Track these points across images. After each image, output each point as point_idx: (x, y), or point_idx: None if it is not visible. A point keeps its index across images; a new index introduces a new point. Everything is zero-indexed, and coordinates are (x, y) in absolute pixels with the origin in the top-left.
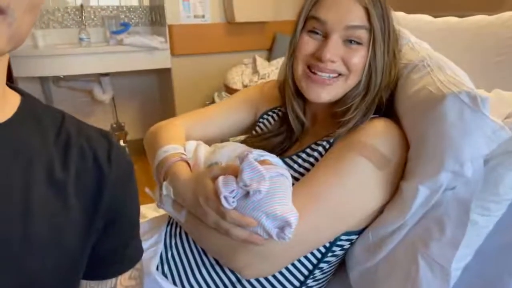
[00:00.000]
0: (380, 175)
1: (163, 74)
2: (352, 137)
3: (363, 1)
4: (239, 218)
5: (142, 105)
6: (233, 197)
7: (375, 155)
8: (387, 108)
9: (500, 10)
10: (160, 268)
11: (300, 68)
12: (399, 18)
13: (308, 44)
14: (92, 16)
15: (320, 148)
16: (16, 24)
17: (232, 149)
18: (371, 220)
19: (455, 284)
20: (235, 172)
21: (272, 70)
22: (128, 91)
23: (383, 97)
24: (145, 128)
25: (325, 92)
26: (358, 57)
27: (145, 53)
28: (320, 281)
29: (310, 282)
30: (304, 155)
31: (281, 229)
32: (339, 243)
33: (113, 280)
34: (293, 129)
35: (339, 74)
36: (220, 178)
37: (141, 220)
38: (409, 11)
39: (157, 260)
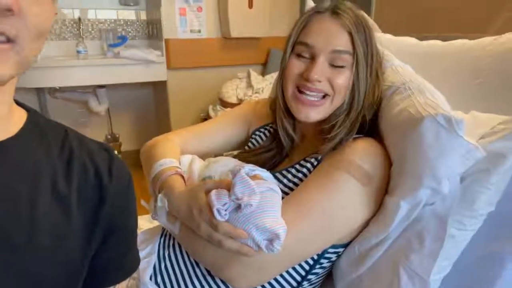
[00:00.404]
0: (364, 191)
1: (159, 87)
2: (338, 156)
3: (348, 26)
4: (231, 230)
5: (137, 117)
6: (225, 210)
7: (359, 173)
8: (371, 128)
9: (487, 32)
10: (153, 278)
11: (290, 89)
12: (385, 40)
13: (296, 66)
14: (90, 29)
15: (309, 165)
16: (24, 52)
17: (225, 164)
18: (356, 233)
19: None
20: (228, 186)
21: (266, 84)
22: (124, 103)
23: (367, 116)
24: (140, 139)
25: (314, 112)
26: (342, 79)
27: (141, 66)
28: None
29: None
30: (293, 171)
31: (270, 241)
32: (326, 255)
33: None
34: (283, 145)
35: (326, 95)
36: (213, 192)
37: None
38: (401, 32)
39: (150, 271)
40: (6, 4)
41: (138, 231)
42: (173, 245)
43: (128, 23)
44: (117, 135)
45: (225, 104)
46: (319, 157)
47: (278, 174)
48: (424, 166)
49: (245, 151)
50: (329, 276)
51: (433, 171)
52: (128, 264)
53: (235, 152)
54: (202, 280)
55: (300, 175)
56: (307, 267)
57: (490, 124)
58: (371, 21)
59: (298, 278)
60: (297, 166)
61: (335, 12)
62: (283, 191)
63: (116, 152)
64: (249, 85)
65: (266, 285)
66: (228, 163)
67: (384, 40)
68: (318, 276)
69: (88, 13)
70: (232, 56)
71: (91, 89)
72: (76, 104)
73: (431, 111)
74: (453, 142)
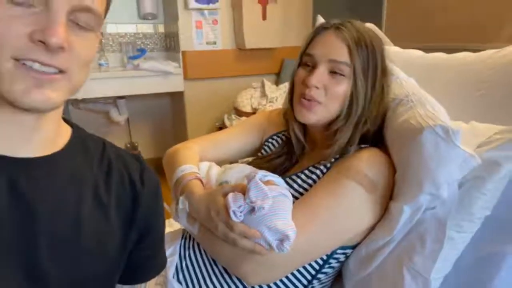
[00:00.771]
0: (370, 197)
1: (176, 97)
2: (346, 164)
3: (347, 40)
4: (245, 230)
5: (155, 126)
6: (241, 212)
7: (365, 181)
8: (378, 137)
9: (495, 41)
10: (175, 276)
11: (295, 95)
12: (392, 53)
13: (301, 74)
14: (111, 43)
15: (318, 172)
16: (74, 80)
17: (240, 170)
18: (363, 236)
19: None
20: (243, 190)
21: (280, 93)
22: (142, 112)
23: (371, 127)
24: (158, 148)
25: (310, 113)
26: (339, 87)
27: (159, 77)
28: None
29: None
30: (303, 176)
31: (281, 241)
32: (335, 256)
33: (142, 285)
34: (293, 151)
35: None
36: (230, 195)
37: None
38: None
39: (173, 269)
40: (58, 43)
41: None
42: (193, 246)
43: (147, 36)
44: (136, 144)
45: (240, 113)
46: (328, 165)
47: (288, 179)
48: (425, 173)
49: (258, 158)
50: (339, 276)
51: (433, 178)
52: (159, 262)
53: (250, 159)
54: (219, 277)
55: (310, 181)
56: (317, 267)
57: (488, 134)
58: (381, 35)
59: (309, 277)
60: (307, 172)
61: (338, 27)
62: (293, 195)
63: None
64: (263, 94)
65: (279, 283)
66: (243, 169)
67: (391, 53)
68: (327, 276)
69: (108, 27)
70: (247, 66)
71: (111, 100)
72: (97, 114)
73: (430, 123)
74: (450, 152)
